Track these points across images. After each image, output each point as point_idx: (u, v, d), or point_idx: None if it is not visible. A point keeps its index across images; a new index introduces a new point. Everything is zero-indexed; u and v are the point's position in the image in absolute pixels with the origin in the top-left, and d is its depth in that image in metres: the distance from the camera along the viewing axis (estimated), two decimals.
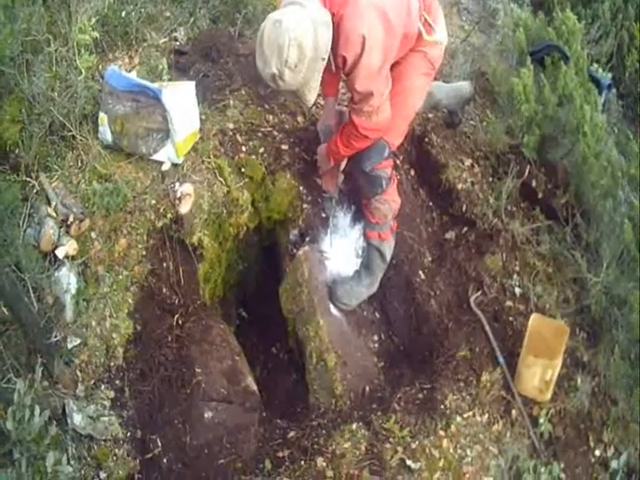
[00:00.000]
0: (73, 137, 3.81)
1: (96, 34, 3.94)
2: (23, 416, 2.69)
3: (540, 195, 3.86)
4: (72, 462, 3.06)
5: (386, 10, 3.05)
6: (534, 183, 3.88)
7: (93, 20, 3.93)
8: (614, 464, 3.11)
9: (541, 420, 3.30)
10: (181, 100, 3.76)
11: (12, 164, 3.73)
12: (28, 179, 3.68)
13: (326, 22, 2.95)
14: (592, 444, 3.32)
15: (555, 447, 3.30)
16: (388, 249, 3.63)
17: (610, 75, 4.12)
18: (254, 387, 3.63)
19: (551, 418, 3.33)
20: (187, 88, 3.83)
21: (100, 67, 4.07)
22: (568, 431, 3.34)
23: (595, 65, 4.11)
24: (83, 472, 3.16)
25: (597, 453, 3.31)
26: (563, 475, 3.06)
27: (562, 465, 3.08)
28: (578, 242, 3.65)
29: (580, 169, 3.67)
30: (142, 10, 4.33)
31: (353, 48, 3.01)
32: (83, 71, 3.87)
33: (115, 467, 3.22)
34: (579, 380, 3.41)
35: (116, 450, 3.25)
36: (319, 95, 3.88)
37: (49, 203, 3.62)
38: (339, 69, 3.21)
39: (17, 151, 3.77)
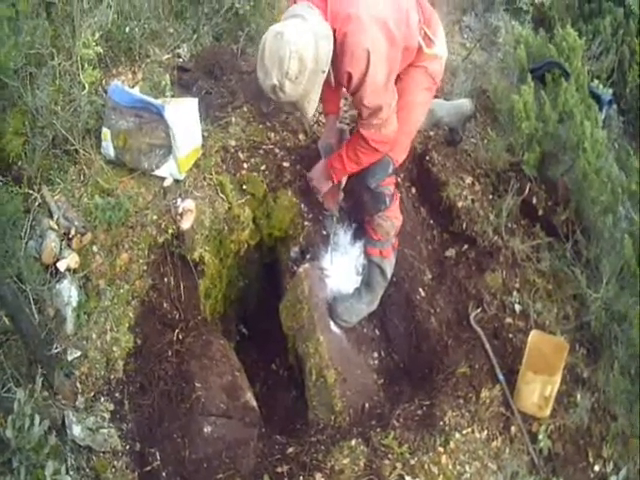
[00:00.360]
0: (76, 151, 3.84)
1: (100, 49, 3.97)
2: (23, 425, 2.68)
3: (540, 212, 3.87)
4: (71, 473, 3.06)
5: (388, 22, 3.06)
6: (534, 200, 3.89)
7: (97, 35, 3.98)
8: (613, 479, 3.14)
9: (540, 436, 3.31)
10: (184, 116, 3.78)
11: (15, 176, 3.75)
12: (30, 191, 3.70)
13: (327, 35, 2.97)
14: (591, 460, 3.32)
15: (554, 463, 3.30)
16: (389, 266, 3.64)
17: (611, 91, 4.14)
18: (254, 403, 3.63)
19: (550, 434, 3.33)
20: (190, 104, 3.86)
21: (103, 82, 4.09)
22: (567, 447, 3.34)
23: (596, 81, 4.13)
24: None
25: (596, 469, 3.30)
26: None
27: None
28: (578, 258, 3.66)
29: (580, 185, 3.68)
30: (146, 26, 4.35)
31: (358, 64, 3.02)
32: (86, 86, 3.90)
33: (114, 479, 3.21)
34: (579, 396, 3.41)
35: (115, 462, 3.25)
36: (320, 112, 3.96)
37: (51, 216, 3.64)
38: (340, 85, 3.23)
39: (20, 163, 3.79)
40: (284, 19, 3.05)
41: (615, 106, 4.18)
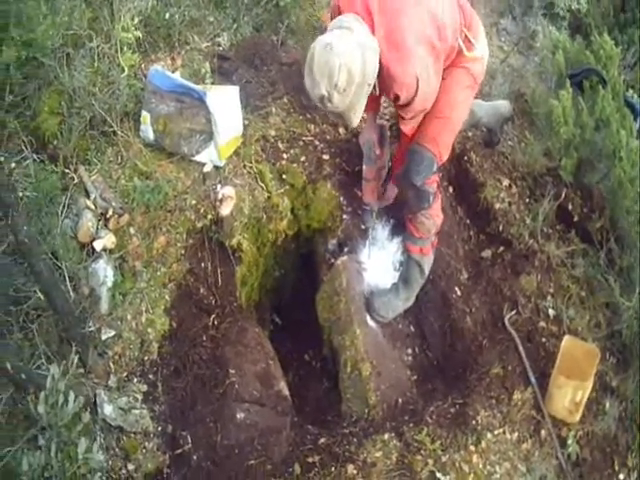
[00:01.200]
0: (114, 133, 3.84)
1: (139, 33, 3.98)
2: (56, 401, 2.67)
3: (576, 218, 3.87)
4: (100, 452, 3.04)
5: (432, 39, 3.08)
6: (570, 206, 3.89)
7: (136, 20, 3.99)
8: None
9: (569, 441, 3.31)
10: (225, 103, 3.79)
11: (50, 155, 3.75)
12: (67, 170, 3.70)
13: (374, 48, 2.96)
14: (617, 468, 3.32)
15: (581, 469, 3.30)
16: (427, 264, 3.66)
17: None
18: (286, 392, 3.63)
19: (579, 440, 3.33)
20: (231, 92, 3.87)
21: (142, 66, 4.08)
22: (595, 454, 3.34)
23: (630, 91, 4.14)
24: (111, 463, 3.17)
25: (621, 477, 3.31)
26: None
27: None
28: (612, 266, 3.66)
29: (615, 194, 3.68)
30: (185, 13, 4.36)
31: (408, 89, 3.06)
32: (126, 69, 3.91)
33: (144, 460, 3.23)
34: (607, 404, 3.41)
35: (146, 443, 3.27)
36: None
37: (88, 196, 3.64)
38: (384, 95, 3.27)
39: (55, 142, 3.78)
40: (330, 28, 3.03)
41: None
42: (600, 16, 4.72)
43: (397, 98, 3.13)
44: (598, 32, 4.23)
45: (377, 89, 3.14)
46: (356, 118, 3.12)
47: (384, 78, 3.06)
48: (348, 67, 2.88)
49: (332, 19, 3.14)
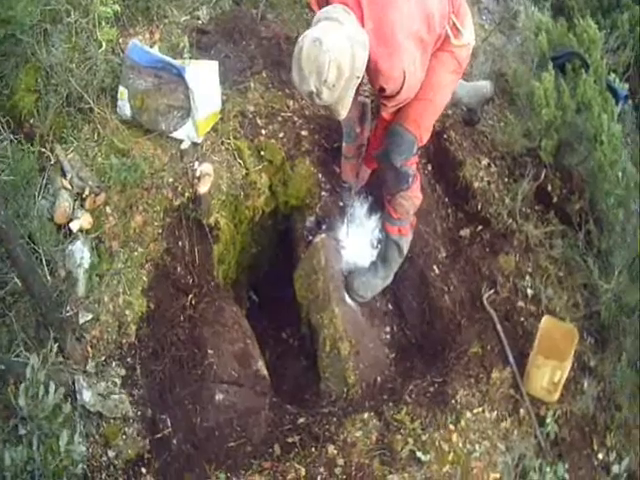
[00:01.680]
0: (90, 110, 3.78)
1: (117, 7, 3.87)
2: (36, 393, 2.66)
3: (555, 199, 3.88)
4: (80, 440, 2.99)
5: (420, 33, 3.06)
6: (549, 187, 3.89)
7: None
8: (615, 469, 3.20)
9: (548, 420, 3.34)
10: (204, 79, 3.74)
11: (26, 133, 3.68)
12: (43, 150, 3.64)
13: (363, 41, 2.92)
14: (595, 447, 3.36)
15: (560, 448, 3.34)
16: (406, 244, 3.65)
17: (627, 86, 4.14)
18: (264, 371, 3.63)
19: (557, 419, 3.37)
20: (210, 67, 3.81)
21: (120, 41, 4.01)
22: (573, 433, 3.38)
23: (612, 75, 4.13)
24: (91, 450, 3.14)
25: (600, 457, 3.35)
26: (567, 476, 3.13)
27: (566, 466, 3.14)
28: (590, 248, 3.68)
29: (595, 177, 3.69)
30: None
31: (394, 83, 3.05)
32: (103, 44, 3.83)
33: (124, 446, 3.20)
34: (585, 384, 3.44)
35: (125, 429, 3.24)
36: None
37: (64, 175, 3.60)
38: (375, 91, 3.27)
39: (32, 121, 3.73)
40: (318, 20, 2.97)
41: (630, 101, 4.20)
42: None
43: (382, 90, 3.11)
44: (581, 15, 4.22)
45: (364, 79, 3.13)
46: (344, 110, 3.09)
47: (371, 71, 3.03)
48: (337, 63, 2.84)
49: (319, 6, 3.09)
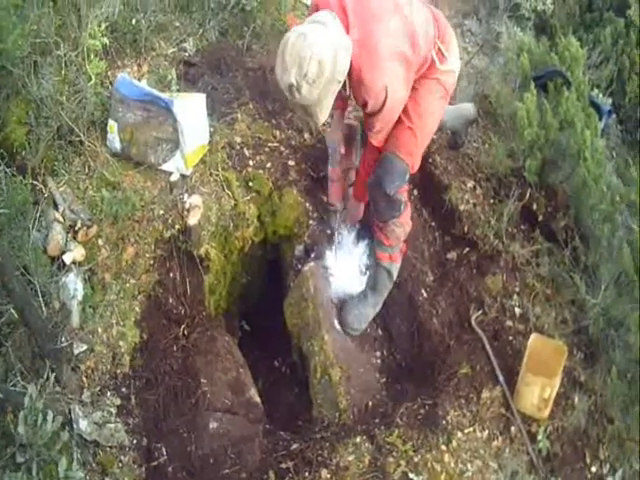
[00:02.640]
0: (81, 142, 3.85)
1: (106, 40, 3.96)
2: (35, 421, 2.69)
3: (540, 218, 3.91)
4: (78, 467, 3.04)
5: (405, 51, 3.12)
6: (535, 206, 3.93)
7: (103, 26, 3.96)
8: None
9: (539, 437, 3.37)
10: (192, 112, 3.81)
11: (19, 166, 3.72)
12: (35, 182, 3.69)
13: (346, 46, 3.00)
14: (588, 461, 3.37)
15: (553, 463, 3.36)
16: (396, 270, 3.69)
17: (610, 101, 4.19)
18: (257, 399, 3.69)
19: (549, 435, 3.39)
20: (198, 100, 3.88)
21: (109, 74, 4.09)
22: (565, 448, 3.39)
23: (595, 90, 4.19)
24: (89, 478, 3.16)
25: (593, 470, 3.36)
26: None
27: None
28: (577, 264, 3.71)
29: (580, 193, 3.73)
30: (152, 19, 4.36)
31: (376, 97, 3.11)
32: (93, 77, 3.90)
33: (121, 474, 3.23)
34: (576, 399, 3.46)
35: (122, 457, 3.27)
36: None
37: (57, 208, 3.65)
38: (358, 103, 3.33)
39: (23, 153, 3.78)
40: (306, 23, 3.08)
41: (614, 116, 4.25)
42: (566, 16, 4.77)
43: (365, 105, 3.17)
44: (563, 33, 4.28)
45: (347, 89, 3.19)
46: (322, 115, 3.15)
47: (354, 81, 3.10)
48: (319, 58, 2.92)
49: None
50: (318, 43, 2.92)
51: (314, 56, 2.91)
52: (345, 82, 3.11)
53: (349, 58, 3.02)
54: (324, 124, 3.94)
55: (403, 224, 3.56)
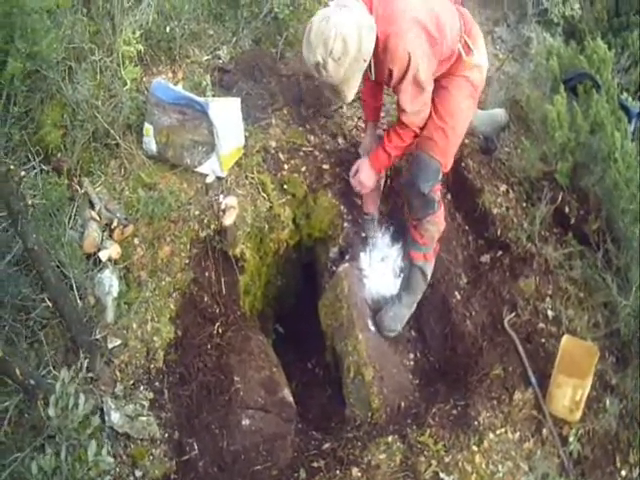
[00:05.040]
0: (117, 145, 3.92)
1: (140, 47, 4.04)
2: (66, 404, 2.71)
3: (572, 221, 3.91)
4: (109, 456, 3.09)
5: (427, 25, 3.22)
6: (567, 209, 3.93)
7: (137, 33, 4.04)
8: None
9: (571, 439, 3.35)
10: (227, 115, 3.86)
11: (54, 167, 3.80)
12: (71, 182, 3.76)
13: (371, 26, 3.13)
14: (618, 465, 3.34)
15: (583, 466, 3.33)
16: (430, 270, 3.72)
17: (639, 104, 4.19)
18: (290, 398, 3.70)
19: (580, 438, 3.36)
20: (233, 104, 3.94)
21: (144, 79, 4.17)
22: (596, 451, 3.37)
23: (625, 94, 4.18)
24: (118, 469, 3.20)
25: (623, 473, 3.33)
26: None
27: None
28: (609, 267, 3.69)
29: (611, 196, 3.71)
30: (185, 27, 4.42)
31: (400, 63, 3.19)
32: (128, 82, 3.96)
33: (151, 467, 3.27)
34: (607, 402, 3.43)
35: (153, 450, 3.31)
36: (359, 118, 4.04)
37: (92, 207, 3.71)
38: (380, 84, 3.46)
39: (59, 155, 3.84)
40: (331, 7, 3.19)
41: None
42: (594, 21, 4.79)
43: (390, 75, 3.24)
44: (591, 37, 4.29)
45: (373, 72, 3.30)
46: (350, 94, 3.28)
47: (379, 53, 3.20)
48: (343, 36, 3.05)
49: None
50: (342, 23, 3.05)
51: (339, 34, 3.04)
52: (370, 64, 3.22)
53: (373, 36, 3.14)
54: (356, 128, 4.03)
55: (437, 223, 3.59)
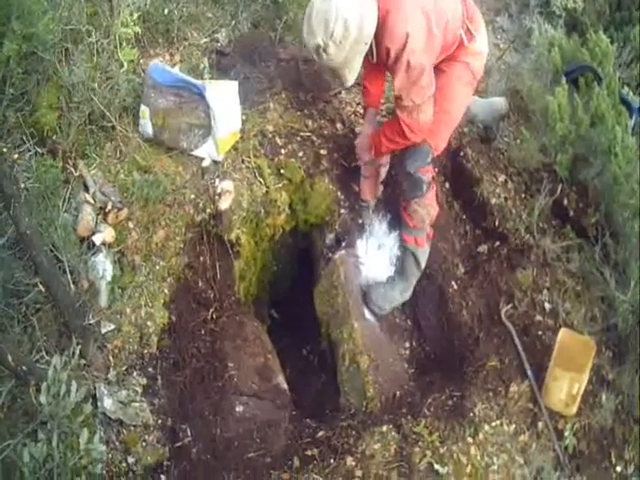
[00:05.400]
0: (112, 128, 3.86)
1: (138, 29, 4.01)
2: (58, 392, 2.68)
3: (571, 213, 3.89)
4: (101, 443, 3.04)
5: (429, 12, 3.18)
6: (565, 201, 3.90)
7: (135, 15, 4.01)
8: None
9: (566, 433, 3.33)
10: (224, 98, 3.81)
11: (50, 149, 3.75)
12: (66, 165, 3.71)
13: (371, 7, 3.09)
14: (614, 460, 3.33)
15: (578, 461, 3.32)
16: (423, 256, 3.68)
17: None
18: (284, 385, 3.68)
19: (576, 432, 3.35)
20: (230, 87, 3.88)
21: (141, 62, 4.12)
22: (592, 446, 3.35)
23: (626, 88, 4.16)
24: (111, 456, 3.17)
25: (618, 469, 3.32)
26: None
27: (585, 479, 3.13)
28: (607, 261, 3.67)
29: (610, 190, 3.70)
30: (184, 9, 4.40)
31: (397, 41, 3.13)
32: (125, 64, 3.93)
33: (144, 453, 3.23)
34: (604, 397, 3.41)
35: (146, 436, 3.27)
36: (358, 104, 4.00)
37: (87, 190, 3.66)
38: (380, 69, 3.41)
39: (55, 137, 3.78)
40: None
41: None
42: (596, 14, 4.77)
43: (388, 55, 3.19)
44: (594, 30, 4.27)
45: (374, 55, 3.26)
46: (351, 77, 3.25)
47: (379, 28, 3.15)
48: (345, 19, 3.01)
49: None
50: (343, 4, 3.02)
51: (339, 17, 3.01)
52: (371, 46, 3.19)
53: (375, 19, 3.10)
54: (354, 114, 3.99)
55: (427, 205, 3.57)
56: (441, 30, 3.27)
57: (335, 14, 3.00)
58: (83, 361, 3.24)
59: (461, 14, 3.41)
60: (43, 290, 3.26)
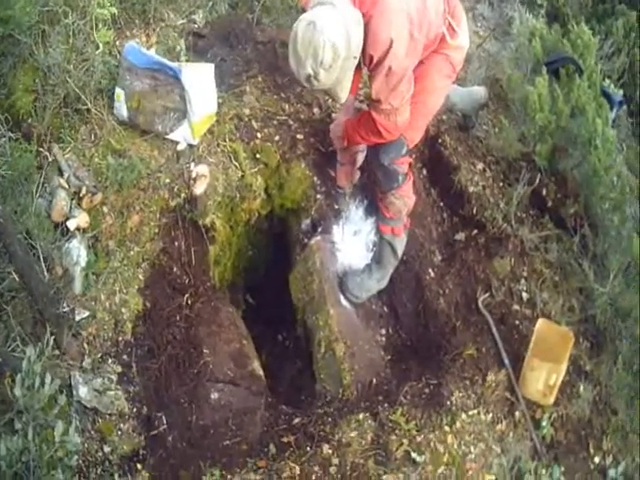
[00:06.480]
0: (88, 110, 3.79)
1: (114, 10, 3.91)
2: (32, 384, 2.63)
3: (550, 204, 3.90)
4: (77, 435, 2.99)
5: (413, 16, 3.08)
6: (544, 191, 3.92)
7: None
8: (612, 473, 3.18)
9: (543, 423, 3.35)
10: (200, 81, 3.75)
11: (24, 133, 3.67)
12: (41, 149, 3.64)
13: (357, 20, 2.96)
14: (592, 451, 3.37)
15: (556, 451, 3.35)
16: (400, 245, 3.66)
17: (621, 92, 4.18)
18: (260, 372, 3.65)
19: (553, 422, 3.38)
20: (206, 69, 3.83)
21: (117, 43, 4.03)
22: (569, 436, 3.39)
23: (607, 81, 4.17)
24: (87, 445, 3.13)
25: (596, 460, 3.36)
26: (563, 479, 3.11)
27: (562, 469, 3.12)
28: (585, 252, 3.69)
29: (590, 181, 3.71)
30: None
31: (380, 48, 3.02)
32: (101, 45, 3.86)
33: (120, 442, 3.20)
34: (581, 388, 3.45)
35: (121, 425, 3.24)
36: None
37: (61, 174, 3.60)
38: (365, 65, 3.25)
39: (30, 120, 3.72)
40: (312, 7, 3.01)
41: (625, 107, 4.23)
42: (578, 6, 4.77)
43: (371, 60, 3.08)
44: (575, 21, 4.26)
45: (360, 61, 3.13)
46: (344, 94, 3.13)
47: (364, 39, 3.03)
48: (332, 43, 2.86)
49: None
50: (328, 27, 2.87)
51: (326, 42, 2.86)
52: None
53: (361, 30, 2.98)
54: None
55: (403, 197, 3.52)
56: (424, 33, 3.19)
57: (321, 40, 2.85)
58: (57, 350, 3.19)
59: (443, 10, 3.33)
60: (17, 279, 3.19)
